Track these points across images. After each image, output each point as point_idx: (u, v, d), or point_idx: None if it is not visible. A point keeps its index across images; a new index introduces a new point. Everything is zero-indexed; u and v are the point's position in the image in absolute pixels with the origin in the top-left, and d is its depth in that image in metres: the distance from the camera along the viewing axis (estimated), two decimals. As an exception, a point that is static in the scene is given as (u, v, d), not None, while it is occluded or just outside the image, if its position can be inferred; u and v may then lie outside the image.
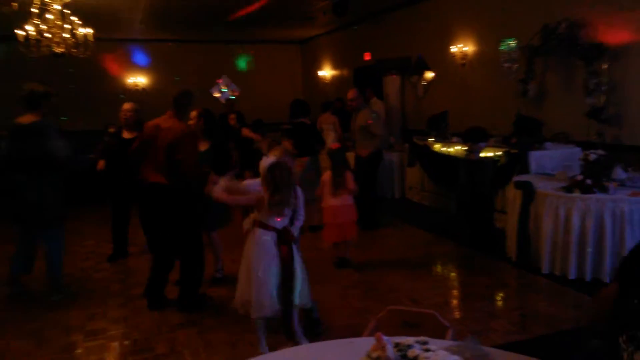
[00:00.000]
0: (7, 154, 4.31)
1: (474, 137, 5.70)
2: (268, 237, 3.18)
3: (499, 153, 6.14)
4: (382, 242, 6.28)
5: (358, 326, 3.82)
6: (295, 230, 3.45)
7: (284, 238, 3.21)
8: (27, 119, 4.24)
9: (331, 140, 9.33)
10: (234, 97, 11.29)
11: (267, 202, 3.15)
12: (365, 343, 2.05)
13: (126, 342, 3.71)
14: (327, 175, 5.20)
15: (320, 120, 9.83)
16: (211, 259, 4.85)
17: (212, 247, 4.82)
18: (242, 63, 14.60)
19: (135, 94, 13.18)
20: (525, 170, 5.82)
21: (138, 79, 13.42)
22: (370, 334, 2.30)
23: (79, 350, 3.61)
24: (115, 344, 3.70)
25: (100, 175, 5.59)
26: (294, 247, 3.31)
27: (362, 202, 6.78)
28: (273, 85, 14.16)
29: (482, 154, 5.82)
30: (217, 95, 13.89)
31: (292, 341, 3.27)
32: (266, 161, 3.18)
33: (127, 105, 5.46)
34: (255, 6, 9.27)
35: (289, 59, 14.91)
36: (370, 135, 6.56)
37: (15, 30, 6.98)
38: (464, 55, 7.94)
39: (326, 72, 13.23)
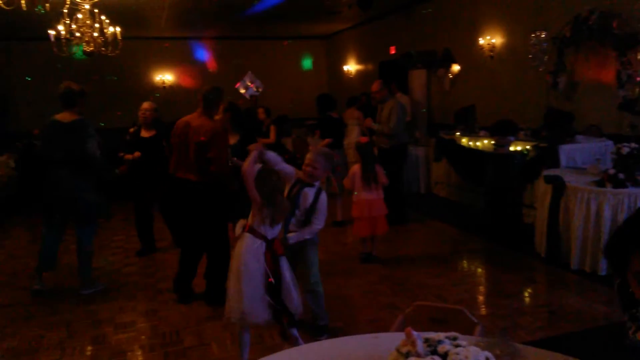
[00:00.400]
0: (44, 150, 4.43)
1: (503, 131, 5.60)
2: (257, 246, 2.98)
3: (528, 147, 6.02)
4: (408, 238, 6.24)
5: (383, 321, 3.82)
6: (308, 234, 3.45)
7: (271, 249, 3.00)
8: (64, 116, 4.34)
9: (355, 136, 9.34)
10: (258, 93, 11.36)
11: (259, 211, 2.97)
12: (391, 338, 2.04)
13: (155, 335, 3.77)
14: (356, 169, 5.16)
15: (345, 115, 9.81)
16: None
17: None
18: (307, 63, 14.72)
19: (162, 91, 13.39)
20: (556, 164, 5.69)
21: (165, 77, 13.60)
22: (397, 329, 2.29)
23: (109, 342, 3.69)
24: (144, 337, 3.77)
25: (128, 172, 5.68)
26: (282, 258, 3.09)
27: (388, 196, 6.77)
28: (298, 81, 14.18)
29: (511, 148, 5.71)
30: (242, 91, 13.99)
31: (288, 343, 3.14)
32: (255, 168, 2.98)
33: (146, 105, 5.52)
34: None
35: (314, 54, 14.89)
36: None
37: (48, 31, 7.15)
38: (492, 48, 7.80)
39: (351, 67, 13.17)
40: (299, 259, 3.53)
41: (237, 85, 12.60)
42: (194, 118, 4.24)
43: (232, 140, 4.67)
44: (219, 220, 4.30)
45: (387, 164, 6.58)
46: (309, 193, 3.39)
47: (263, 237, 2.98)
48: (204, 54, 13.60)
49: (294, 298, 3.07)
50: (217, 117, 4.69)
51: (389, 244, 5.89)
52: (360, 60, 12.83)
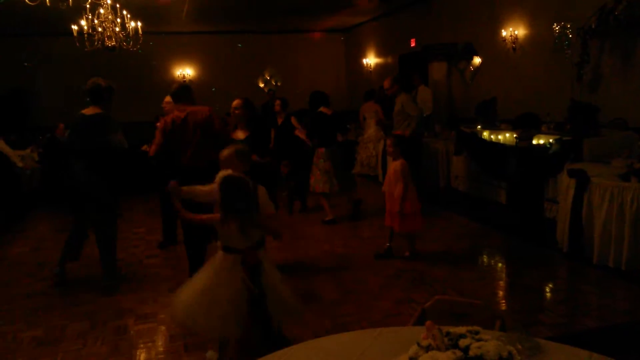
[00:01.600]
0: (69, 143, 4.53)
1: (526, 124, 5.51)
2: (229, 262, 2.84)
3: (552, 140, 5.91)
4: (426, 232, 6.17)
5: (401, 316, 3.81)
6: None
7: (246, 260, 2.81)
8: (90, 111, 4.42)
9: (374, 129, 9.29)
10: (276, 88, 11.36)
11: (221, 221, 2.78)
12: (410, 332, 2.03)
13: (175, 326, 3.80)
14: (397, 165, 4.97)
15: (363, 109, 9.77)
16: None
17: None
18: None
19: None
20: (579, 157, 5.57)
21: (186, 71, 13.69)
22: (416, 323, 2.27)
23: (131, 333, 3.75)
24: (165, 328, 3.81)
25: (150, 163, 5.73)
26: (262, 267, 2.88)
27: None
28: (317, 74, 14.14)
29: (533, 141, 5.62)
30: (261, 85, 14.03)
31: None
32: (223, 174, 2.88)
33: (168, 98, 5.57)
34: None
35: (333, 48, 14.83)
36: (406, 119, 6.51)
37: (72, 26, 7.25)
38: (515, 39, 7.67)
39: (370, 60, 13.09)
40: None
41: (256, 79, 12.67)
42: (179, 112, 4.39)
43: (243, 135, 4.71)
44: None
45: (404, 155, 6.58)
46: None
47: (235, 250, 2.82)
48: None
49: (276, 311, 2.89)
50: (236, 112, 4.79)
51: (407, 237, 5.85)
52: (379, 54, 12.74)
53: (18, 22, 10.88)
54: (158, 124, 4.97)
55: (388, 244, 5.20)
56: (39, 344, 3.64)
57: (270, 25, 13.01)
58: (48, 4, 5.69)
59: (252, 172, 3.30)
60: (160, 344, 3.60)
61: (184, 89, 4.58)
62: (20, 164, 8.97)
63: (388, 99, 7.69)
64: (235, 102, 4.87)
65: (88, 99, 4.50)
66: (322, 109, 6.48)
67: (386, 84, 6.76)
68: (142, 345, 3.58)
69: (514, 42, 7.71)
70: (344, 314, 3.90)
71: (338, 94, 13.69)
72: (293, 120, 7.29)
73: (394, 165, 4.99)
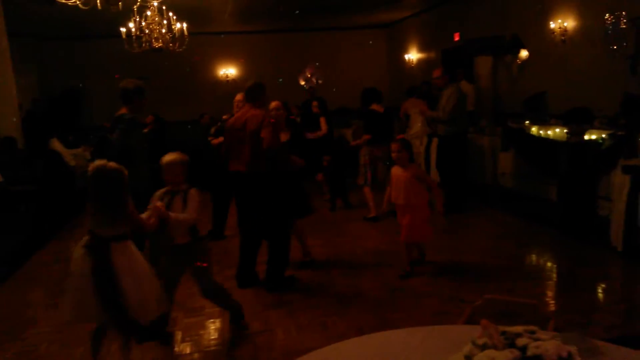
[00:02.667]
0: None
1: (577, 119, 5.33)
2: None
3: (604, 135, 5.69)
4: (473, 230, 6.09)
5: (448, 314, 3.76)
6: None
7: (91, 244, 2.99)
8: (119, 112, 4.56)
9: (419, 125, 9.17)
10: (317, 86, 11.37)
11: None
12: (461, 331, 2.01)
13: (223, 320, 3.89)
14: (409, 172, 4.55)
15: (406, 105, 9.65)
16: (296, 243, 4.95)
17: (295, 233, 4.91)
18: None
19: (226, 85, 13.71)
20: (634, 153, 5.31)
21: (229, 71, 13.91)
22: (466, 322, 2.24)
23: (180, 325, 3.85)
24: (212, 321, 3.90)
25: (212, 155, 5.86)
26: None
27: (447, 185, 6.67)
28: (358, 71, 14.08)
29: (585, 137, 5.42)
30: (302, 83, 14.09)
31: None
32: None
33: (240, 96, 5.62)
34: None
35: (374, 44, 14.73)
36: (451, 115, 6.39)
37: (121, 28, 7.49)
38: (564, 31, 7.40)
39: (412, 56, 12.93)
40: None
41: (298, 77, 12.72)
42: (243, 114, 4.40)
43: (285, 137, 4.78)
44: (280, 209, 4.39)
45: (446, 152, 6.48)
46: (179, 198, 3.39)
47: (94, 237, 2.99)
48: None
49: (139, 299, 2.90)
50: (276, 113, 4.82)
51: (453, 236, 5.77)
52: (422, 49, 12.57)
53: (70, 26, 11.34)
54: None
55: (420, 256, 4.88)
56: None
57: (311, 22, 13.05)
58: (99, 7, 5.90)
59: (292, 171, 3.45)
60: (208, 337, 3.69)
61: (258, 88, 4.46)
62: (72, 163, 9.35)
63: (431, 96, 7.59)
64: (275, 104, 4.93)
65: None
66: (373, 106, 6.45)
67: (436, 72, 6.60)
68: (188, 339, 3.67)
69: (563, 34, 7.44)
70: (390, 312, 3.89)
71: (380, 90, 13.60)
72: (323, 121, 7.23)
73: (406, 174, 4.42)
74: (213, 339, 3.66)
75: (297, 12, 10.90)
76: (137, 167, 4.61)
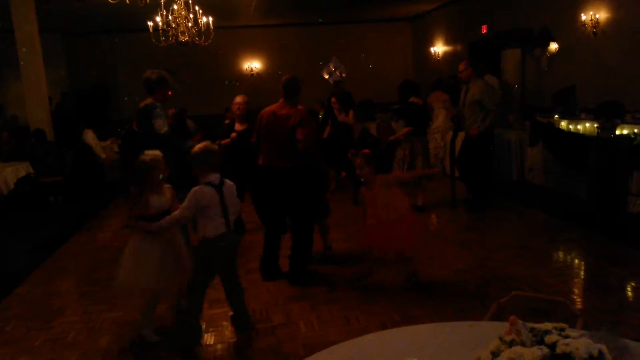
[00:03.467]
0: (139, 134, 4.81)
1: (608, 113, 5.18)
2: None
3: (636, 130, 5.54)
4: (500, 226, 5.99)
5: (473, 310, 3.70)
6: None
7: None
8: (144, 102, 4.61)
9: (442, 119, 9.05)
10: (341, 79, 11.33)
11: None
12: (486, 327, 1.97)
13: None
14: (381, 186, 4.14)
15: (431, 99, 9.53)
16: (318, 237, 4.94)
17: (319, 226, 4.90)
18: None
19: (250, 79, 13.78)
20: (669, 149, 5.19)
21: (253, 64, 13.96)
22: (492, 319, 2.20)
23: (204, 317, 3.88)
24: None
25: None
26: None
27: (473, 183, 6.58)
28: (383, 64, 13.98)
29: (617, 132, 5.27)
30: (326, 76, 14.04)
31: None
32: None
33: (239, 99, 5.71)
34: None
35: (400, 37, 14.59)
36: (480, 111, 6.19)
37: (148, 22, 7.58)
38: (596, 23, 7.20)
39: (438, 49, 12.77)
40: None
41: (321, 71, 12.68)
42: (279, 107, 4.36)
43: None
44: (308, 203, 4.39)
45: (474, 149, 6.36)
46: None
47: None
48: None
49: None
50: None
51: (479, 232, 5.70)
52: (448, 42, 12.40)
53: (98, 21, 11.52)
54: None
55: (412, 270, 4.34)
56: (120, 324, 3.87)
57: (336, 16, 12.98)
58: (128, 1, 5.98)
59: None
60: (231, 328, 3.71)
61: (295, 84, 4.37)
62: (103, 155, 9.54)
63: (458, 90, 7.47)
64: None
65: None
66: (412, 99, 6.41)
67: (461, 66, 6.50)
68: (211, 330, 3.70)
69: (594, 26, 7.24)
70: (413, 308, 3.85)
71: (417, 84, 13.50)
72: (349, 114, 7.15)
73: (378, 189, 4.03)
74: (236, 332, 3.68)
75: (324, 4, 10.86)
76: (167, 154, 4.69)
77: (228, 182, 3.38)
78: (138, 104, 4.69)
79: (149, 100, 4.56)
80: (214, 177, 3.30)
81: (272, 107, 4.41)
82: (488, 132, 6.32)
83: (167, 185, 3.57)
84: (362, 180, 4.19)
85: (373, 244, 4.29)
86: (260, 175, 4.48)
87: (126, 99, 12.54)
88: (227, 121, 5.92)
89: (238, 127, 5.66)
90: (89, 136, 9.33)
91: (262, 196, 4.60)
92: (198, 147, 3.32)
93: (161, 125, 4.49)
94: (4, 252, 5.76)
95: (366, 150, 4.16)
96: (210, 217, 3.28)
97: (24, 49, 8.25)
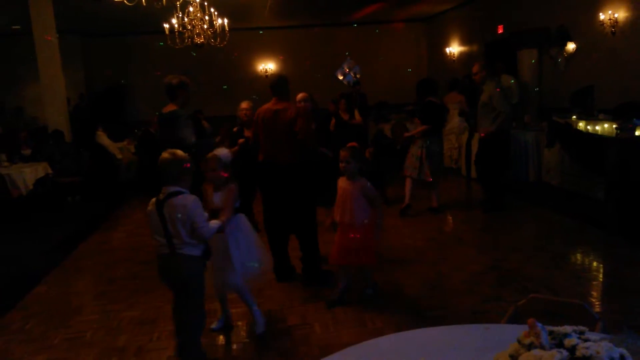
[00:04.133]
0: (159, 139, 4.84)
1: (627, 113, 5.11)
2: None
3: (657, 131, 5.43)
4: (516, 228, 5.93)
5: (489, 313, 3.67)
6: None
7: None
8: (166, 108, 4.65)
9: (457, 120, 9.00)
10: (356, 80, 11.30)
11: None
12: (502, 330, 1.95)
13: (261, 312, 3.91)
14: (357, 187, 3.85)
15: (446, 99, 9.49)
16: (331, 238, 4.92)
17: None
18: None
19: (265, 81, 13.81)
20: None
21: (268, 66, 14.00)
22: (509, 322, 2.18)
23: (219, 317, 3.91)
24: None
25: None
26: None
27: (486, 182, 6.53)
28: (398, 65, 13.93)
29: (636, 132, 5.19)
30: (340, 77, 14.02)
31: None
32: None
33: (245, 104, 5.75)
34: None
35: (414, 38, 14.53)
36: (492, 112, 6.14)
37: (164, 24, 7.65)
38: (614, 23, 7.10)
39: (454, 49, 12.69)
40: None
41: (336, 72, 12.66)
42: (273, 104, 4.44)
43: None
44: (306, 201, 4.41)
45: (489, 149, 6.32)
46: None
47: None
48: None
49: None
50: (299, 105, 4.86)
51: (496, 234, 5.65)
52: (463, 42, 12.32)
53: (115, 23, 11.66)
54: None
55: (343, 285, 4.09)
56: (137, 323, 3.90)
57: (350, 17, 12.97)
58: (144, 3, 6.04)
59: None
60: (246, 328, 3.73)
61: (283, 82, 4.52)
62: (119, 156, 9.65)
63: (473, 91, 7.41)
64: (301, 95, 5.06)
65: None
66: (430, 98, 6.40)
67: (475, 68, 6.47)
68: (231, 328, 3.72)
69: (613, 26, 7.14)
70: (429, 309, 3.84)
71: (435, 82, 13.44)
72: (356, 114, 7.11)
73: (352, 188, 3.80)
74: (251, 330, 3.70)
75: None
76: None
77: (186, 198, 2.93)
78: (153, 106, 4.74)
79: (172, 107, 4.60)
80: (163, 190, 2.96)
81: (266, 105, 4.50)
82: (502, 133, 6.26)
83: (232, 186, 3.49)
84: (344, 173, 3.85)
85: (338, 261, 3.97)
86: (260, 171, 4.52)
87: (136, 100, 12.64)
88: (235, 128, 5.95)
89: (247, 133, 5.67)
90: (101, 137, 9.45)
91: (263, 193, 4.63)
92: (164, 154, 2.99)
93: (188, 135, 4.52)
94: (22, 252, 5.85)
95: (353, 144, 3.91)
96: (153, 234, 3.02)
97: (42, 51, 8.37)
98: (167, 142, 4.57)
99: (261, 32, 13.49)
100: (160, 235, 2.94)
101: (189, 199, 2.92)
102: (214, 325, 3.70)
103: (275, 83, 4.49)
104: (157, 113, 4.82)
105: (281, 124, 4.30)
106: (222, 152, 3.56)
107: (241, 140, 5.57)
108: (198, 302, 3.14)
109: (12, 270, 5.23)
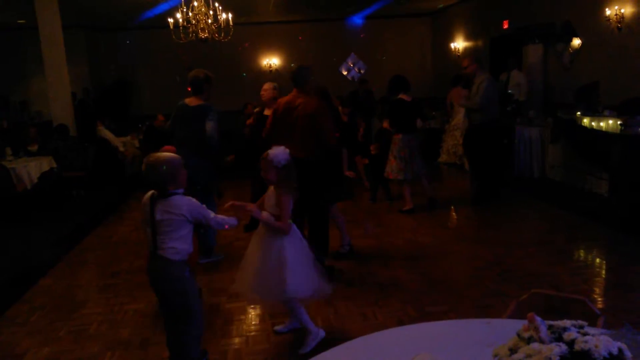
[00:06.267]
0: (170, 128, 4.82)
1: (632, 110, 5.08)
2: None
3: (662, 127, 5.41)
4: (519, 223, 5.93)
5: (492, 308, 3.68)
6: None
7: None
8: (192, 101, 4.66)
9: (462, 115, 8.98)
10: (360, 75, 11.29)
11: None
12: (504, 324, 1.96)
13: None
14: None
15: (451, 94, 9.47)
16: (337, 234, 4.94)
17: (335, 222, 4.90)
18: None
19: (269, 75, 13.82)
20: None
21: (272, 61, 13.99)
22: (510, 316, 2.18)
23: (223, 310, 3.94)
24: (253, 306, 3.95)
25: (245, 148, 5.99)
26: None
27: (477, 176, 6.57)
28: (402, 60, 13.89)
29: (641, 129, 5.17)
30: (344, 73, 14.02)
31: None
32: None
33: (266, 85, 5.75)
34: None
35: (419, 33, 14.47)
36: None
37: (168, 19, 7.66)
38: (621, 18, 7.05)
39: (459, 44, 12.64)
40: None
41: (340, 67, 12.68)
42: (293, 97, 4.37)
43: None
44: (321, 197, 4.41)
45: (475, 141, 6.39)
46: None
47: None
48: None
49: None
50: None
51: (499, 229, 5.65)
52: (469, 37, 12.26)
53: (119, 18, 11.68)
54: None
55: None
56: (142, 315, 3.93)
57: (355, 11, 12.93)
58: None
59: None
60: (249, 322, 3.76)
61: (305, 73, 4.42)
62: (122, 148, 9.67)
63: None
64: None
65: (189, 90, 4.74)
66: (401, 95, 6.32)
67: (465, 62, 6.55)
68: (229, 323, 3.76)
69: (619, 21, 7.09)
70: (431, 304, 3.85)
71: (424, 80, 13.38)
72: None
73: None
74: (254, 324, 3.72)
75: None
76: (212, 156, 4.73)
77: (180, 199, 2.83)
78: (157, 100, 4.74)
79: (198, 101, 4.61)
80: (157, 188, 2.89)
81: (286, 98, 4.45)
82: (490, 125, 6.34)
83: (286, 194, 3.16)
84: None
85: None
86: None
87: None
88: (256, 109, 6.04)
89: (267, 112, 5.65)
90: (102, 129, 9.48)
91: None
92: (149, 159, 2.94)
93: (213, 130, 4.52)
94: (28, 246, 5.89)
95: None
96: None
97: (47, 46, 8.40)
98: (189, 136, 4.56)
99: (266, 25, 13.46)
100: (148, 228, 2.87)
101: (183, 201, 2.82)
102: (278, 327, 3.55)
103: (296, 73, 4.40)
104: (179, 103, 4.76)
105: (299, 118, 4.25)
106: (276, 152, 3.17)
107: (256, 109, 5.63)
108: (195, 321, 2.91)
109: (18, 264, 5.26)
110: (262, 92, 5.72)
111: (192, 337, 2.93)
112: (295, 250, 3.18)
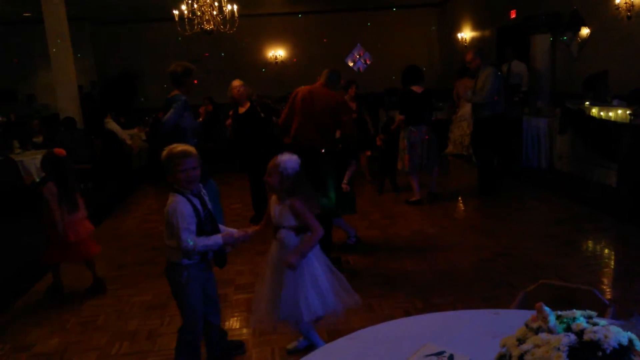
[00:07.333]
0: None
1: (641, 99, 5.02)
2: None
3: (672, 117, 5.35)
4: (527, 214, 5.90)
5: (499, 299, 3.67)
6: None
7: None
8: (172, 93, 4.64)
9: (469, 107, 8.92)
10: (366, 65, 11.23)
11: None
12: (512, 315, 1.95)
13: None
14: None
15: (457, 85, 9.41)
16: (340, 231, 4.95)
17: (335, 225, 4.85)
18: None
19: (274, 66, 13.79)
20: None
21: (277, 52, 13.95)
22: (518, 307, 2.17)
23: (230, 301, 3.95)
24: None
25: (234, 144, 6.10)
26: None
27: (480, 167, 6.54)
28: (409, 51, 13.79)
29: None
30: (351, 64, 13.95)
31: None
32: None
33: (236, 82, 5.80)
34: None
35: (426, 23, 14.35)
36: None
37: (174, 11, 7.64)
38: (630, 7, 6.95)
39: (465, 35, 12.53)
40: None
41: (346, 58, 12.61)
42: (316, 88, 4.47)
43: None
44: (334, 184, 4.43)
45: (483, 134, 6.35)
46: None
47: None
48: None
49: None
50: None
51: (507, 220, 5.62)
52: (476, 27, 12.15)
53: (125, 10, 11.66)
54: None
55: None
56: (149, 307, 3.95)
57: (361, 2, 12.85)
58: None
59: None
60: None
61: (337, 77, 4.61)
62: (129, 141, 9.69)
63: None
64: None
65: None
66: (413, 87, 6.26)
67: (468, 56, 6.49)
68: (237, 314, 3.78)
69: (629, 10, 6.98)
70: (438, 296, 3.84)
71: (431, 71, 13.28)
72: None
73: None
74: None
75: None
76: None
77: (171, 197, 2.72)
78: (163, 92, 4.73)
79: (175, 92, 4.60)
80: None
81: (308, 87, 4.53)
82: (497, 119, 6.32)
83: (295, 201, 2.91)
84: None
85: None
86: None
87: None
88: (230, 112, 6.13)
89: (241, 110, 5.82)
90: (110, 123, 9.50)
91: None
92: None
93: (168, 118, 4.38)
94: (35, 238, 5.92)
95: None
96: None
97: (53, 38, 8.40)
98: (167, 124, 4.58)
99: (272, 17, 13.39)
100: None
101: (172, 199, 2.68)
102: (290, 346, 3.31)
103: (329, 77, 4.55)
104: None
105: (320, 107, 4.36)
106: (286, 158, 2.88)
107: (209, 108, 5.70)
108: (187, 326, 2.84)
109: (26, 256, 5.29)
110: (234, 91, 5.76)
111: (183, 341, 2.88)
112: (318, 263, 3.05)
